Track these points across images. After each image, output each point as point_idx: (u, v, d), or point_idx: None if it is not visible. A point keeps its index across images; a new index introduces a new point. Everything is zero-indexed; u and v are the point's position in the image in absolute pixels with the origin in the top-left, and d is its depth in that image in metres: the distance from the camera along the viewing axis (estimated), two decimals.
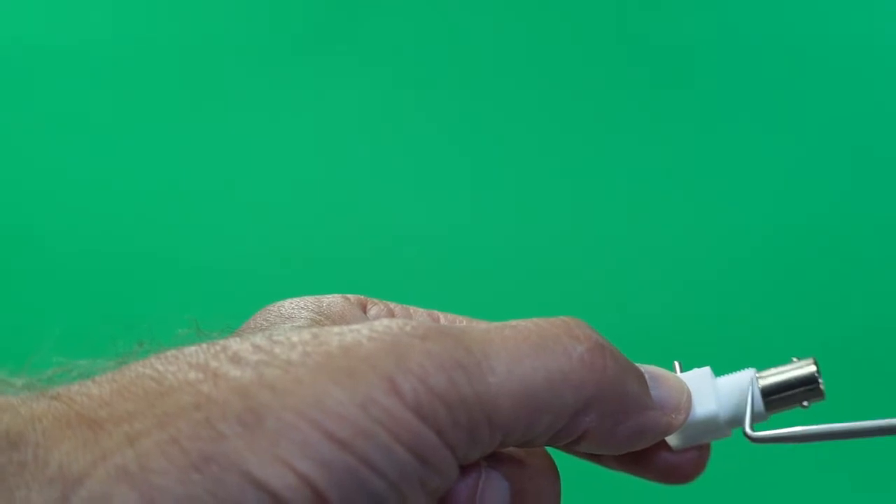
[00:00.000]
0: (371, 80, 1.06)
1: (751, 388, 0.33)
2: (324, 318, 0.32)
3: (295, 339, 0.28)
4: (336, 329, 0.28)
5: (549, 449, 0.33)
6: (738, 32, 1.06)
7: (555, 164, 1.03)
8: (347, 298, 0.34)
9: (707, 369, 0.34)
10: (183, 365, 0.27)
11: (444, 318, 0.35)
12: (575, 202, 1.02)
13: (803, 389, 0.34)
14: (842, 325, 0.93)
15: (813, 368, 0.34)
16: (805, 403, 0.34)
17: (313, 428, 0.26)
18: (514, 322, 0.30)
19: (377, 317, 0.34)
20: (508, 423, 0.28)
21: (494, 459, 0.32)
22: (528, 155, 1.04)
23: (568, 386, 0.29)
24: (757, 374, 0.34)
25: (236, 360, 0.27)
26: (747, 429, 0.33)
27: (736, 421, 0.34)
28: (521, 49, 1.07)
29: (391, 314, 0.35)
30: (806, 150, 1.00)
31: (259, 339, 0.28)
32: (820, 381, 0.34)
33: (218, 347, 0.27)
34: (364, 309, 0.34)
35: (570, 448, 0.31)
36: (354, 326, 0.28)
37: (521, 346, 0.29)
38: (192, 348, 0.28)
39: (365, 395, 0.26)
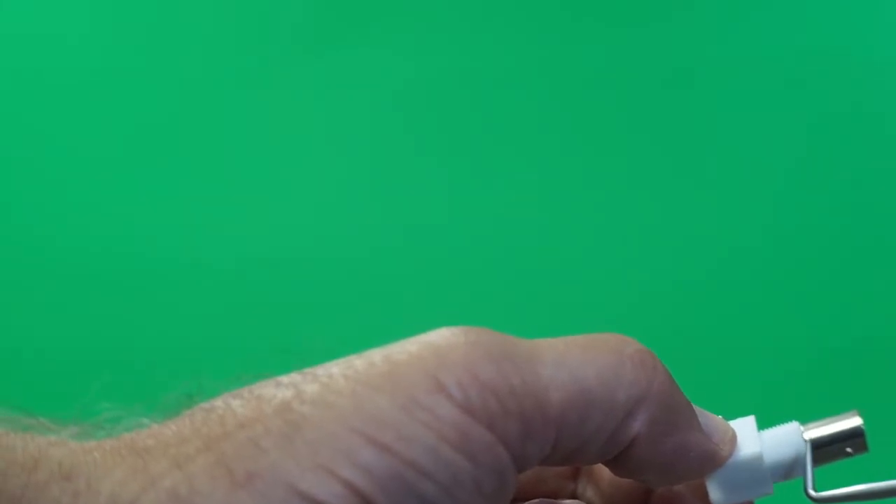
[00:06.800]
0: (374, 80, 1.08)
1: (807, 450, 0.33)
2: None
3: (339, 359, 0.28)
4: (381, 347, 0.28)
5: None
6: (741, 42, 1.07)
7: (566, 168, 1.03)
8: None
9: (751, 417, 0.34)
10: (227, 397, 0.28)
11: None
12: (580, 206, 1.02)
13: (847, 443, 0.33)
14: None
15: (859, 421, 0.33)
16: (849, 450, 0.33)
17: (354, 434, 0.26)
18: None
19: None
20: (561, 416, 0.28)
21: None
22: (543, 162, 1.04)
23: (619, 382, 0.29)
24: (802, 428, 0.33)
25: (277, 384, 0.27)
26: (810, 489, 0.32)
27: (779, 472, 0.33)
28: (523, 50, 1.08)
29: None
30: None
31: (303, 369, 0.28)
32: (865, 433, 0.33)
33: (262, 381, 0.28)
34: None
35: (618, 467, 0.31)
36: (401, 340, 0.28)
37: (569, 346, 0.29)
38: (238, 389, 0.28)
39: (406, 397, 0.26)
